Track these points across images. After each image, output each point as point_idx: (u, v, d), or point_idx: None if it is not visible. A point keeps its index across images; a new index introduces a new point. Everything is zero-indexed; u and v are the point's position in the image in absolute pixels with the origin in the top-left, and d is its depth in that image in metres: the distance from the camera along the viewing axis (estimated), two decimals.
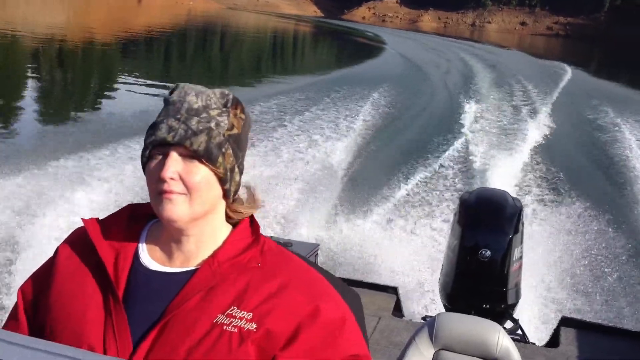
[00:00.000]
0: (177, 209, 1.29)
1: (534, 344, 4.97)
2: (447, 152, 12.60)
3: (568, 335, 4.99)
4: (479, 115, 16.74)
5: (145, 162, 1.34)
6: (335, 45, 54.89)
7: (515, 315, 4.91)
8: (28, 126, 13.06)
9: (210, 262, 1.32)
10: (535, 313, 6.05)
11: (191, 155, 1.29)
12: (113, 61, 27.18)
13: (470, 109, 17.31)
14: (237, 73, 29.10)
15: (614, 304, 6.70)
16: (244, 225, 1.40)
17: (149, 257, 1.36)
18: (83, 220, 1.41)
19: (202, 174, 1.30)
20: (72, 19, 46.96)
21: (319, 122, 13.71)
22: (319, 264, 4.37)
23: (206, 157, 1.30)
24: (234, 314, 1.26)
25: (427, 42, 53.24)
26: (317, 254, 4.84)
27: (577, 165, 13.04)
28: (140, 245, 1.38)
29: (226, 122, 1.34)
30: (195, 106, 1.32)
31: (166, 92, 1.39)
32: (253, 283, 1.30)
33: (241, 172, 1.39)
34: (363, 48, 49.75)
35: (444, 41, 57.83)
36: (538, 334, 5.51)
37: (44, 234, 6.43)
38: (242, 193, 1.41)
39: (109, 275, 1.32)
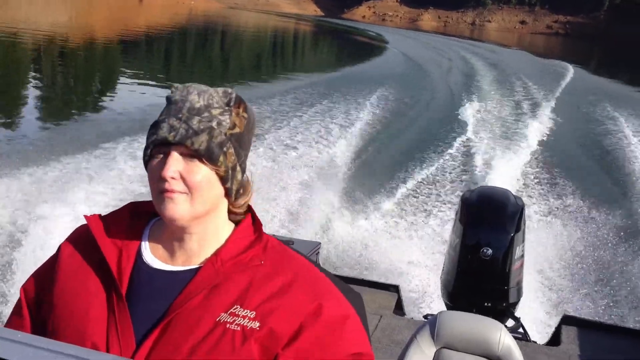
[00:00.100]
0: (178, 208, 1.29)
1: (535, 342, 4.97)
2: (449, 151, 12.60)
3: (569, 334, 4.99)
4: (481, 113, 16.73)
5: (147, 160, 1.34)
6: (336, 45, 54.87)
7: (516, 314, 4.91)
8: (29, 125, 13.07)
9: (213, 260, 1.32)
10: (536, 311, 6.05)
11: (192, 154, 1.29)
12: (115, 60, 27.20)
13: (472, 108, 17.30)
14: (237, 72, 29.10)
15: (616, 302, 6.69)
16: (247, 223, 1.40)
17: (152, 255, 1.36)
18: (86, 217, 1.41)
19: (203, 173, 1.30)
20: (74, 19, 46.98)
21: (321, 121, 13.71)
22: (320, 263, 4.37)
23: (207, 156, 1.30)
24: (237, 313, 1.26)
25: (429, 41, 53.20)
26: (318, 252, 4.84)
27: (579, 164, 13.03)
28: (143, 243, 1.38)
29: (228, 121, 1.34)
30: (197, 105, 1.32)
31: (168, 91, 1.39)
32: (256, 281, 1.29)
33: (243, 171, 1.39)
34: (365, 47, 49.72)
35: (445, 40, 57.79)
36: (540, 333, 5.51)
37: (46, 232, 6.43)
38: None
39: (112, 273, 1.32)
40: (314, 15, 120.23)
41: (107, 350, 1.26)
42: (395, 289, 5.56)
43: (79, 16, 49.91)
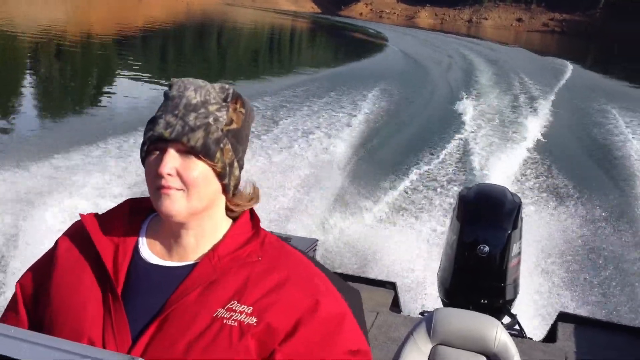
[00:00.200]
0: (174, 204, 1.29)
1: (531, 339, 4.98)
2: (446, 148, 12.60)
3: (565, 331, 5.00)
4: (479, 111, 16.74)
5: (144, 156, 1.34)
6: (335, 42, 54.80)
7: (513, 311, 4.92)
8: (26, 121, 13.06)
9: (211, 256, 1.32)
10: (533, 308, 6.06)
11: (188, 151, 1.29)
12: (112, 57, 27.16)
13: (470, 105, 17.31)
14: (234, 69, 29.07)
15: (612, 299, 6.71)
16: (244, 219, 1.40)
17: (149, 250, 1.36)
18: (81, 215, 1.41)
19: (199, 169, 1.30)
20: (72, 17, 46.85)
21: (319, 118, 13.71)
22: (317, 259, 4.37)
23: (204, 153, 1.29)
24: (234, 308, 1.25)
25: (427, 39, 53.17)
26: (315, 249, 4.84)
27: (576, 162, 13.05)
28: (140, 239, 1.38)
29: (225, 117, 1.33)
30: (194, 101, 1.31)
31: (165, 86, 1.39)
32: (253, 277, 1.29)
33: (241, 167, 1.38)
34: (363, 45, 49.67)
35: (443, 37, 57.76)
36: (536, 329, 5.52)
37: (41, 227, 6.43)
38: (243, 186, 1.41)
39: (107, 269, 1.32)
40: (311, 12, 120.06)
41: (103, 346, 1.25)
42: (392, 286, 5.56)
43: (77, 14, 49.79)
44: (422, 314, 5.02)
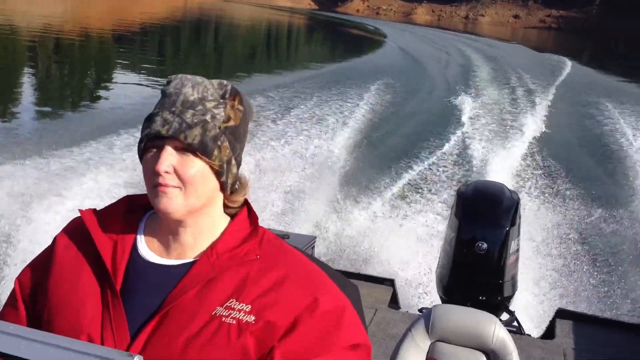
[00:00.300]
0: (172, 202, 1.28)
1: (529, 335, 4.99)
2: (445, 145, 12.60)
3: (564, 327, 5.01)
4: (477, 108, 16.72)
5: (141, 154, 1.33)
6: (333, 39, 54.72)
7: (511, 307, 4.93)
8: (25, 118, 13.04)
9: (209, 254, 1.32)
10: (531, 305, 6.07)
11: (186, 148, 1.28)
12: (110, 53, 27.12)
13: (468, 102, 17.29)
14: (231, 65, 29.02)
15: (610, 296, 6.72)
16: (242, 216, 1.39)
17: (147, 248, 1.36)
18: (80, 211, 1.40)
19: (197, 167, 1.29)
20: (70, 14, 46.76)
21: (317, 115, 13.69)
22: (315, 257, 4.37)
23: (201, 150, 1.28)
24: (232, 306, 1.25)
25: (425, 35, 53.11)
26: (313, 246, 4.84)
27: (574, 158, 13.05)
28: (138, 236, 1.37)
29: (222, 114, 1.32)
30: (191, 98, 1.30)
31: (163, 82, 1.38)
32: (252, 275, 1.29)
33: (239, 164, 1.37)
34: (362, 41, 49.61)
35: (441, 34, 57.70)
36: (534, 326, 5.53)
37: (40, 224, 6.42)
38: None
39: (106, 267, 1.31)
40: (308, 9, 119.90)
41: (102, 343, 1.25)
42: (390, 282, 5.57)
43: (76, 11, 49.71)
44: (420, 310, 5.03)
